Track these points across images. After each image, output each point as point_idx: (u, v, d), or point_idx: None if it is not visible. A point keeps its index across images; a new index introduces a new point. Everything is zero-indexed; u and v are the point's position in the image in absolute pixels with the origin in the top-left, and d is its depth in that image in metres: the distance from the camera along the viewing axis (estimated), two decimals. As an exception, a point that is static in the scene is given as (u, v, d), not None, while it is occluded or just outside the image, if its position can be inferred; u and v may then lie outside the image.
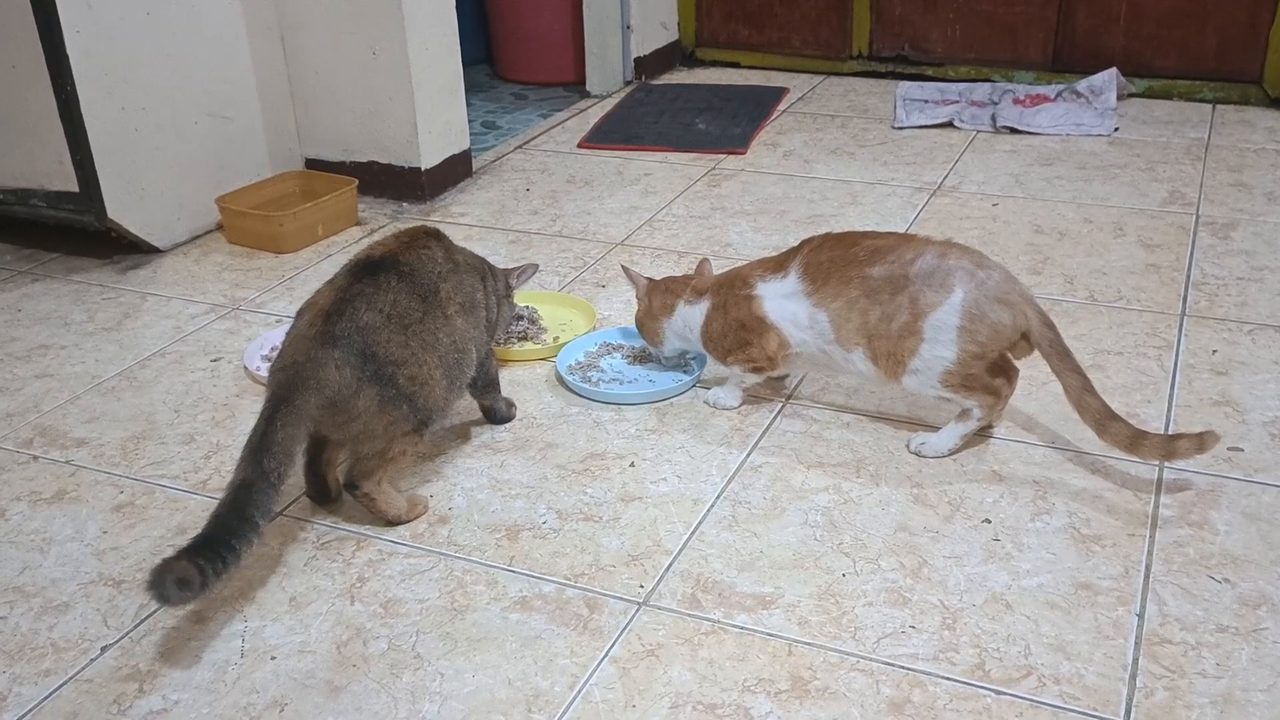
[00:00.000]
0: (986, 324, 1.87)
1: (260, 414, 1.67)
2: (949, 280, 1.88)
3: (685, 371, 2.27)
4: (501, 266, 2.15)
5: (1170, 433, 2.02)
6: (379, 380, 1.72)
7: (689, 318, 2.14)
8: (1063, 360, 1.88)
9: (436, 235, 1.95)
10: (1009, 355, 1.96)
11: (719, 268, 2.21)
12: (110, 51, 2.71)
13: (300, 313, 1.81)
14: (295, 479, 1.89)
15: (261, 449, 1.62)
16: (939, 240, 1.95)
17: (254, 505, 1.59)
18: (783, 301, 2.01)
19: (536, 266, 2.26)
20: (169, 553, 1.56)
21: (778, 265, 2.04)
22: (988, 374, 1.93)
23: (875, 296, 1.92)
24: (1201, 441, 1.79)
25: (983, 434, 2.02)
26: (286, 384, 1.68)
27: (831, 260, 1.97)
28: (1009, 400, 2.00)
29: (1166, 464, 1.92)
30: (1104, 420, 1.84)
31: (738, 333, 2.06)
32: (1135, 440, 1.82)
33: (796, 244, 2.05)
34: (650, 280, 2.22)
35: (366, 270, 1.81)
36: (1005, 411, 2.04)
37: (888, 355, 1.94)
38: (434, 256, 1.88)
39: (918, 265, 1.90)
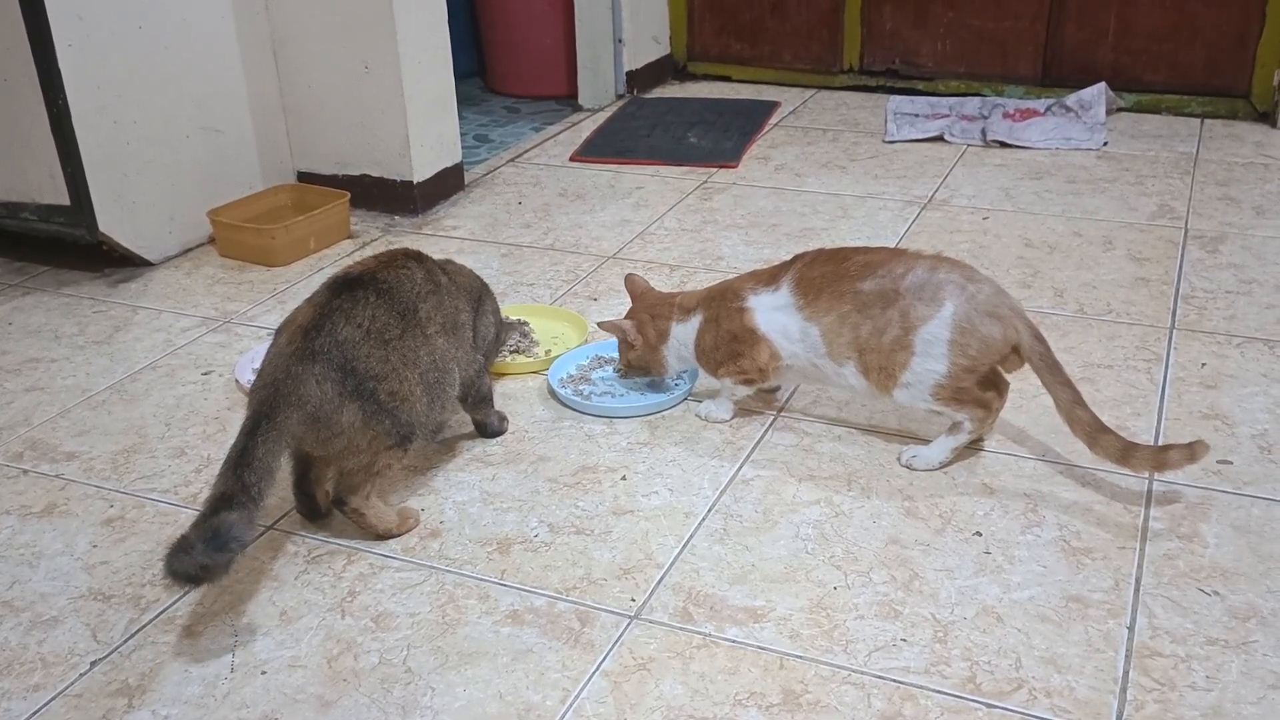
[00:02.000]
0: (977, 337, 1.88)
1: (240, 430, 1.65)
2: (940, 294, 1.89)
3: (676, 385, 2.28)
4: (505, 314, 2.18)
5: (1160, 444, 2.03)
6: (360, 395, 1.71)
7: (682, 336, 2.13)
8: (1053, 374, 1.89)
9: (417, 257, 1.94)
10: (1000, 369, 1.97)
11: (711, 281, 2.21)
12: (102, 65, 2.71)
13: (279, 330, 1.80)
14: (285, 493, 1.88)
15: (242, 464, 1.60)
16: (930, 254, 1.96)
17: (235, 520, 1.57)
18: (774, 314, 2.01)
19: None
20: (159, 566, 1.55)
21: (770, 278, 2.04)
22: (978, 387, 1.94)
23: (867, 311, 1.93)
24: (1192, 452, 1.80)
25: (973, 447, 2.03)
26: (267, 401, 1.67)
27: (823, 275, 1.97)
28: (1000, 413, 2.01)
29: (1158, 476, 1.93)
30: (1095, 433, 1.85)
31: (729, 344, 2.06)
32: (1126, 452, 1.82)
33: (790, 258, 2.06)
34: (632, 319, 2.17)
35: (345, 287, 1.80)
36: (996, 424, 2.05)
37: (879, 369, 1.94)
38: (413, 277, 1.87)
39: (909, 279, 1.91)
